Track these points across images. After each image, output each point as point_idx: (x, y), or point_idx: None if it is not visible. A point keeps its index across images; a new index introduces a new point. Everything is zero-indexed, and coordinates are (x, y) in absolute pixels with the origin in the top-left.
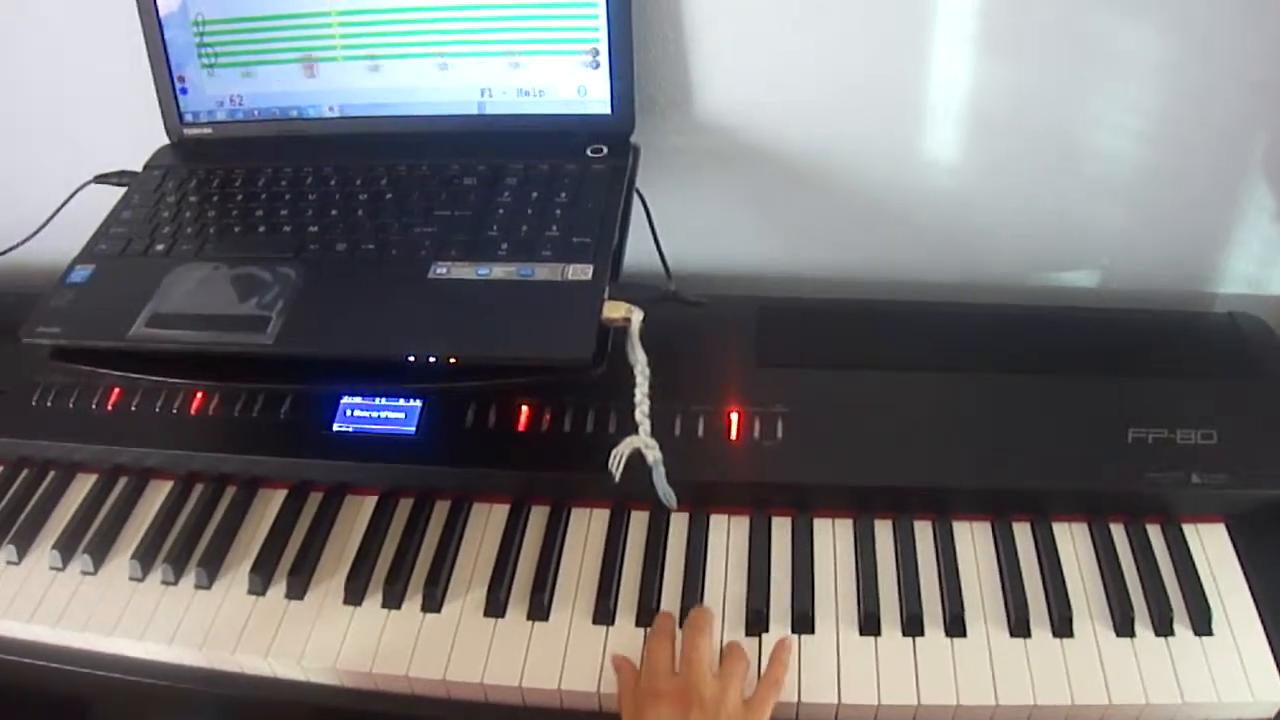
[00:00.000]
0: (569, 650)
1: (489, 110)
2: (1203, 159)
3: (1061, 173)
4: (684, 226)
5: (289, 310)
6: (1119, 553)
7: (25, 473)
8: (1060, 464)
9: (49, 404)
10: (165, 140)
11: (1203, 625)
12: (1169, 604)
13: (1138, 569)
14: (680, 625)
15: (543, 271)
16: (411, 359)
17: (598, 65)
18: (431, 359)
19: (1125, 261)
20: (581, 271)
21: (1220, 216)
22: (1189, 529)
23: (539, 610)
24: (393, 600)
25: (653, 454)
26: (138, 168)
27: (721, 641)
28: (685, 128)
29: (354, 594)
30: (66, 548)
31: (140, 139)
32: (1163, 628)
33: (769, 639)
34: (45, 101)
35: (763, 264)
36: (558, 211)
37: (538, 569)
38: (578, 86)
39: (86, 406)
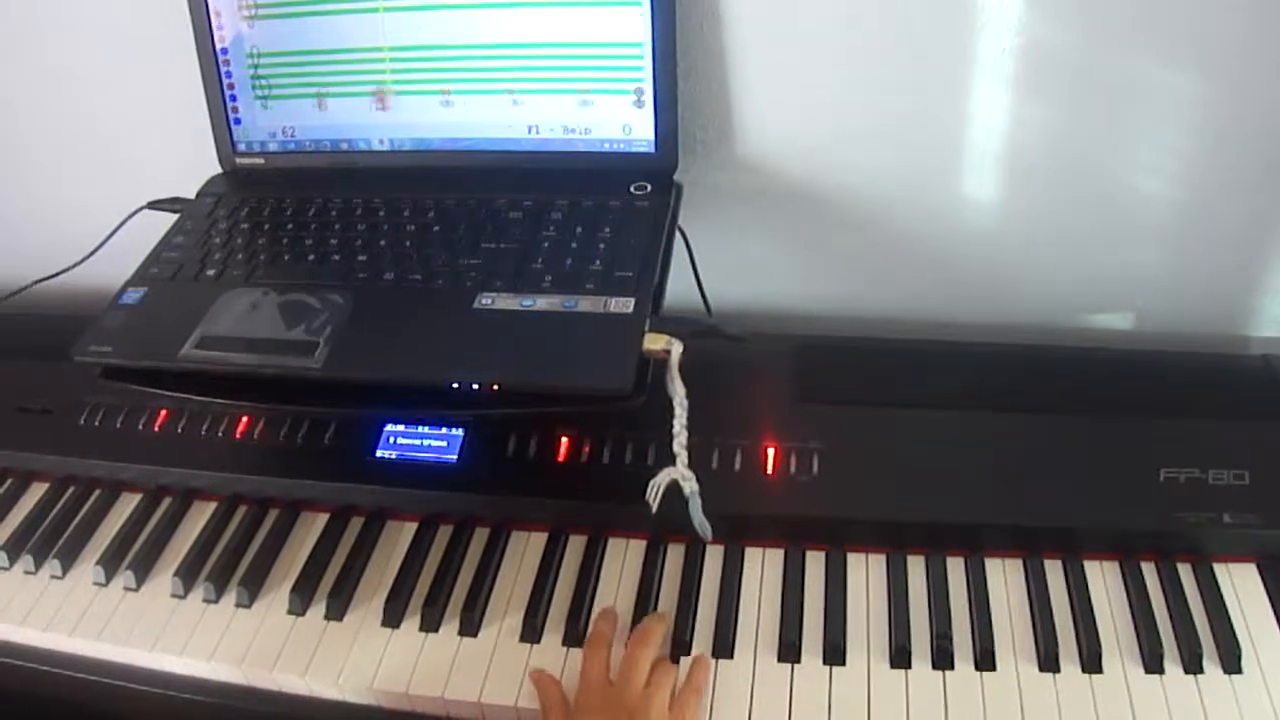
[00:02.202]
0: None
1: (535, 147)
2: (1238, 201)
3: (1097, 214)
4: (725, 264)
5: (336, 336)
6: (1149, 591)
7: (71, 490)
8: (1092, 502)
9: (97, 424)
10: (218, 169)
11: (1232, 664)
12: (1199, 642)
13: (1168, 607)
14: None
15: (585, 304)
16: (455, 386)
17: (642, 105)
18: (475, 386)
19: (1159, 304)
20: (623, 304)
21: (1256, 259)
22: (1220, 569)
23: (574, 636)
24: (430, 623)
25: (690, 485)
26: (190, 195)
27: (754, 668)
28: (727, 167)
29: (392, 616)
30: (110, 564)
31: (193, 168)
32: (1192, 666)
33: (800, 669)
34: (100, 130)
35: (801, 302)
36: (601, 246)
37: (574, 596)
38: (623, 125)
39: (133, 427)
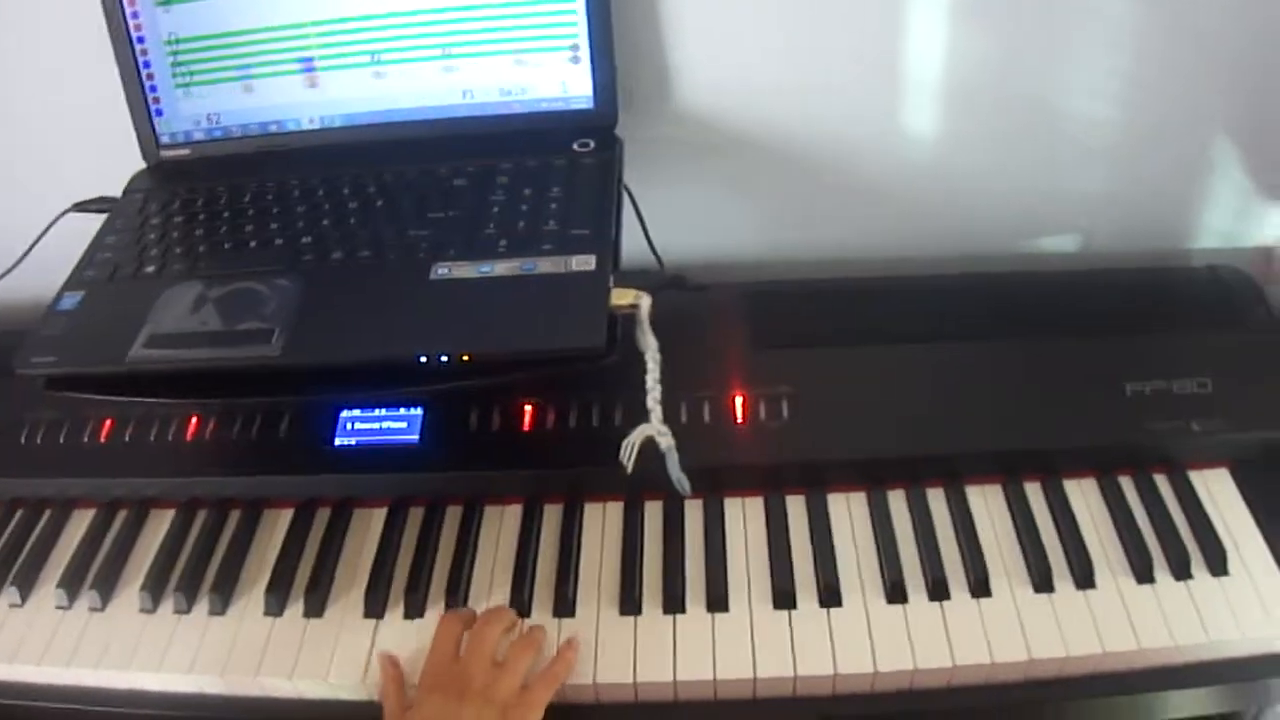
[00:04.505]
0: (599, 644)
1: (471, 112)
2: (1176, 119)
3: (1039, 138)
4: (671, 217)
5: (292, 321)
6: (1130, 504)
7: (20, 513)
8: (1063, 422)
9: (39, 441)
10: (142, 164)
11: (1219, 566)
12: (1184, 549)
13: (1150, 518)
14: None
15: (545, 265)
16: (424, 359)
17: (578, 60)
18: (444, 359)
19: (1104, 223)
20: (585, 262)
21: (1194, 173)
22: (1195, 476)
23: (565, 607)
24: (415, 610)
25: (666, 440)
26: (117, 194)
27: (751, 618)
28: (666, 119)
29: (374, 606)
30: (70, 585)
31: (117, 165)
32: (1181, 572)
33: (798, 615)
34: (15, 132)
35: (751, 249)
36: (553, 205)
37: (558, 567)
38: (560, 82)
39: (78, 440)
